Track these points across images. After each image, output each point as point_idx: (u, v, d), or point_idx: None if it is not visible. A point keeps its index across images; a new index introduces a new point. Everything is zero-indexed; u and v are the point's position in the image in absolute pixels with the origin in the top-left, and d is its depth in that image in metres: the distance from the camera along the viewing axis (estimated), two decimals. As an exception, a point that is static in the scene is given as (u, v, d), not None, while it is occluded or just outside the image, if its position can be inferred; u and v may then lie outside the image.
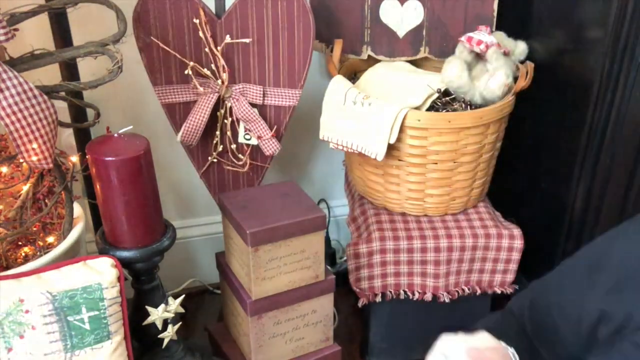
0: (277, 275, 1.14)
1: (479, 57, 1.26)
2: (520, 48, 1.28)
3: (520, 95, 1.24)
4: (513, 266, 1.28)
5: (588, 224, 1.30)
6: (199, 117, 1.20)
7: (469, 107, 1.25)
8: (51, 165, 0.99)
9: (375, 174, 1.28)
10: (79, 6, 1.00)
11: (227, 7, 1.18)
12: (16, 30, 0.91)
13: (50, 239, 1.08)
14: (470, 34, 1.23)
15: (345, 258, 1.59)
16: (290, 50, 1.21)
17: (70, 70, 1.18)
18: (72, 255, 1.03)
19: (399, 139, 1.17)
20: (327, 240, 1.63)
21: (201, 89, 1.19)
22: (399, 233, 1.24)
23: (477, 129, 1.19)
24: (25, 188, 1.06)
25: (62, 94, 1.10)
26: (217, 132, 1.25)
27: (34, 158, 0.95)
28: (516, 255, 1.27)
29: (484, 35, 1.22)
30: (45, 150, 0.96)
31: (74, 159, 1.13)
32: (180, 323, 1.14)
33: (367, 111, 1.16)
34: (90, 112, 1.18)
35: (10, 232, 1.04)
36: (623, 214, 1.29)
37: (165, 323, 1.09)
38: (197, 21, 1.15)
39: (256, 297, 1.14)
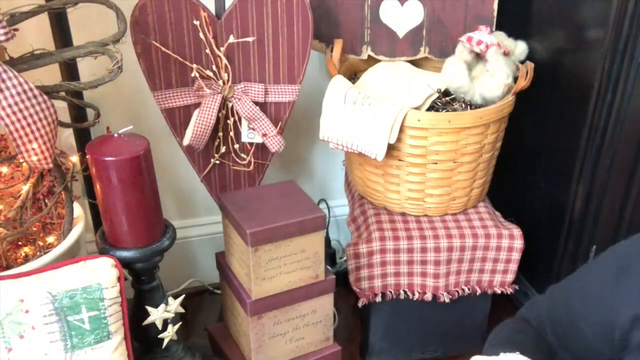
0: (277, 275, 1.14)
1: (479, 57, 1.26)
2: (520, 48, 1.28)
3: (520, 95, 1.24)
4: (513, 266, 1.28)
5: (588, 224, 1.30)
6: (206, 119, 1.19)
7: (469, 107, 1.25)
8: (51, 165, 0.99)
9: (375, 174, 1.28)
10: (79, 6, 1.00)
11: (226, 7, 1.18)
12: (16, 30, 0.91)
13: (50, 239, 1.08)
14: (470, 34, 1.23)
15: (345, 258, 1.59)
16: (289, 46, 1.21)
17: (70, 70, 1.18)
18: (72, 255, 1.03)
19: (399, 139, 1.17)
20: (327, 240, 1.63)
21: (208, 90, 1.19)
22: (399, 233, 1.24)
23: (477, 129, 1.19)
24: (25, 188, 1.06)
25: (62, 94, 1.10)
26: (220, 134, 1.25)
27: (34, 158, 0.95)
28: (516, 255, 1.27)
29: (484, 35, 1.22)
30: (45, 150, 0.96)
31: (74, 159, 1.13)
32: (180, 323, 1.14)
33: (367, 111, 1.16)
34: (90, 112, 1.18)
35: (10, 232, 1.04)
36: (623, 214, 1.29)
37: (165, 323, 1.09)
38: (197, 23, 1.15)
39: (256, 297, 1.14)
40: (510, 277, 1.30)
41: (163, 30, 1.14)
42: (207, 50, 1.18)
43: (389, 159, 1.21)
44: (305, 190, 1.20)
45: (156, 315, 1.07)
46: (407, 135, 1.18)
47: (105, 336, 0.96)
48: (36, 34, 1.16)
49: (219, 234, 1.30)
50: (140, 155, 0.97)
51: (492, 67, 1.21)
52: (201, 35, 1.16)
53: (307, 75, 1.27)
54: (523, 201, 1.48)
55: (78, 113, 1.24)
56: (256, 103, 1.23)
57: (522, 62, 1.28)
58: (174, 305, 1.09)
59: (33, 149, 0.95)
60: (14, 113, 0.91)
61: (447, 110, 1.24)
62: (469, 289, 1.30)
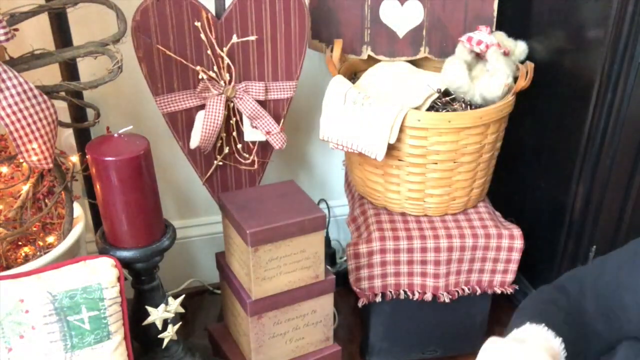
0: (277, 275, 1.14)
1: (479, 57, 1.26)
2: (520, 48, 1.28)
3: (520, 95, 1.24)
4: (513, 266, 1.28)
5: (588, 224, 1.30)
6: (214, 120, 1.19)
7: (469, 107, 1.25)
8: (51, 165, 0.99)
9: (375, 174, 1.28)
10: (79, 6, 1.00)
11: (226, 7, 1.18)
12: (16, 30, 0.91)
13: (50, 239, 1.08)
14: (470, 34, 1.23)
15: (345, 258, 1.59)
16: (287, 43, 1.21)
17: (70, 70, 1.18)
18: (72, 255, 1.03)
19: (399, 139, 1.17)
20: (327, 240, 1.63)
21: (215, 91, 1.18)
22: (399, 233, 1.24)
23: (477, 129, 1.19)
24: (25, 188, 1.06)
25: (62, 94, 1.10)
26: (222, 134, 1.25)
27: (34, 158, 0.95)
28: (516, 255, 1.27)
29: (484, 35, 1.22)
30: (45, 150, 0.96)
31: (74, 159, 1.13)
32: (180, 323, 1.14)
33: (367, 111, 1.16)
34: (90, 112, 1.18)
35: (10, 232, 1.04)
36: (623, 214, 1.29)
37: (165, 323, 1.09)
38: (198, 24, 1.15)
39: (256, 297, 1.14)
40: (510, 277, 1.30)
41: (165, 33, 1.13)
42: (209, 52, 1.17)
43: (389, 159, 1.21)
44: (305, 190, 1.20)
45: (156, 315, 1.07)
46: (407, 135, 1.18)
47: (105, 336, 0.96)
48: (36, 34, 1.16)
49: (219, 234, 1.30)
50: (140, 155, 0.97)
51: (492, 67, 1.21)
52: (202, 36, 1.16)
53: (307, 75, 1.28)
54: (523, 201, 1.48)
55: (78, 113, 1.24)
56: (257, 101, 1.23)
57: (522, 62, 1.28)
58: (174, 305, 1.09)
59: (33, 149, 0.95)
60: (14, 113, 0.91)
61: (447, 110, 1.24)
62: (469, 289, 1.30)
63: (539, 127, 1.39)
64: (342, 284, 1.49)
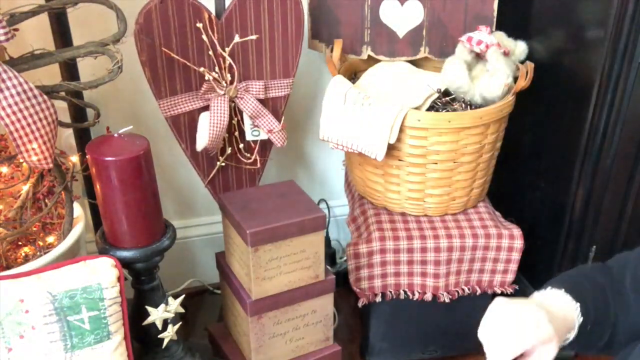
0: (277, 275, 1.14)
1: (479, 57, 1.26)
2: (520, 48, 1.28)
3: (520, 95, 1.24)
4: (513, 266, 1.28)
5: (588, 224, 1.30)
6: (220, 121, 1.19)
7: (469, 107, 1.25)
8: (51, 165, 0.99)
9: (375, 174, 1.28)
10: (79, 6, 1.00)
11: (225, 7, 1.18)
12: (16, 30, 0.91)
13: (50, 239, 1.08)
14: (470, 34, 1.23)
15: (345, 258, 1.59)
16: (284, 41, 1.22)
17: (70, 70, 1.18)
18: (72, 255, 1.03)
19: (399, 139, 1.17)
20: (327, 240, 1.63)
21: (220, 91, 1.18)
22: (399, 233, 1.24)
23: (477, 129, 1.19)
24: (25, 188, 1.06)
25: (62, 94, 1.10)
26: (225, 135, 1.25)
27: (34, 158, 0.95)
28: (516, 255, 1.27)
29: (484, 35, 1.22)
30: (45, 150, 0.96)
31: (74, 159, 1.13)
32: (180, 323, 1.14)
33: (367, 111, 1.16)
34: (90, 112, 1.18)
35: (10, 232, 1.04)
36: (623, 214, 1.29)
37: (165, 323, 1.08)
38: (200, 25, 1.15)
39: (256, 297, 1.14)
40: (510, 277, 1.30)
41: (167, 35, 1.13)
42: (210, 52, 1.17)
43: (389, 159, 1.21)
44: (305, 190, 1.20)
45: (156, 315, 1.07)
46: (407, 135, 1.18)
47: (105, 336, 0.96)
48: (36, 34, 1.16)
49: (219, 234, 1.30)
50: (140, 155, 0.97)
51: (492, 67, 1.21)
52: (204, 37, 1.15)
53: (307, 75, 1.28)
54: (523, 201, 1.48)
55: (78, 113, 1.24)
56: (257, 100, 1.23)
57: (522, 62, 1.28)
58: (174, 305, 1.09)
59: (33, 149, 0.95)
60: (14, 113, 0.91)
61: (447, 110, 1.24)
62: (469, 289, 1.30)
63: (539, 127, 1.39)
64: (342, 284, 1.49)
